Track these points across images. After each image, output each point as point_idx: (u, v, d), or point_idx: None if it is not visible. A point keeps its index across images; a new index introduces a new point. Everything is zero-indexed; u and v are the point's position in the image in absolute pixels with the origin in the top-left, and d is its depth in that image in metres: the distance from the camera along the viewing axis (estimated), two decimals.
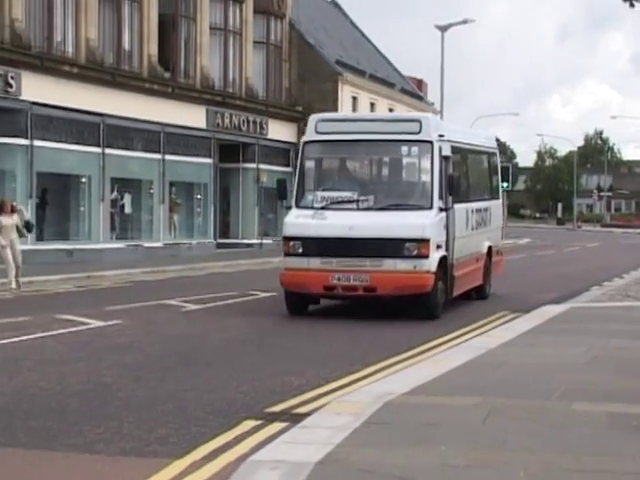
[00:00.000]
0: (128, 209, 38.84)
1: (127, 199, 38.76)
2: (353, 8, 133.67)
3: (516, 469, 7.08)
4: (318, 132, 19.12)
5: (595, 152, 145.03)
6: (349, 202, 18.30)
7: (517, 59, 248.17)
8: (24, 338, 15.22)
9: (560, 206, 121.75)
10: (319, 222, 18.10)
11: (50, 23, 34.36)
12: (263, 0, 46.37)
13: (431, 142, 18.43)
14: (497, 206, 24.39)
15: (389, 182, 19.95)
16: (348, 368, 12.55)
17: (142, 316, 18.46)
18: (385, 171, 20.37)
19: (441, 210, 18.31)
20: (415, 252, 17.65)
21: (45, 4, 34.14)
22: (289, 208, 19.04)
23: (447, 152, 18.91)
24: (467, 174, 21.67)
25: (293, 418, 9.36)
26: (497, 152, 25.35)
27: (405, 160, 19.76)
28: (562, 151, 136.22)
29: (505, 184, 66.90)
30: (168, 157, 39.66)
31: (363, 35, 66.55)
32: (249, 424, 9.32)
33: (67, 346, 14.59)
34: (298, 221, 18.40)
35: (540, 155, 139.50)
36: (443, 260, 18.37)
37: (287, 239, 18.45)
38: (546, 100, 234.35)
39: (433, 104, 64.38)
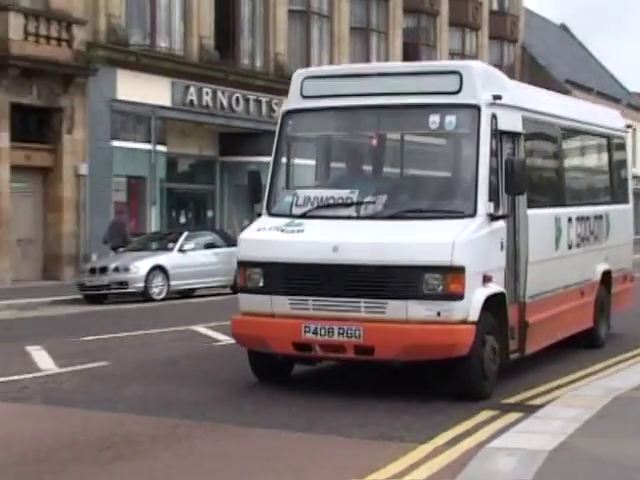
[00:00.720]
0: None
1: None
2: (581, 30, 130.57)
3: None
4: (304, 96, 11.30)
5: None
6: (345, 206, 10.56)
7: None
8: None
9: None
10: (289, 238, 10.46)
11: (307, 56, 35.24)
12: (497, 27, 45.96)
13: (477, 107, 10.45)
14: (623, 213, 15.30)
15: (408, 174, 11.93)
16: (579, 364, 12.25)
17: None
18: (402, 156, 11.88)
19: (493, 218, 10.34)
20: (440, 289, 9.73)
21: (304, 39, 35.07)
22: (259, 215, 11.23)
23: (510, 125, 10.92)
24: (560, 163, 13.07)
25: (527, 409, 9.20)
26: (624, 137, 15.96)
27: (434, 138, 11.66)
28: None
29: None
30: None
31: (590, 55, 64.88)
32: (487, 414, 9.22)
33: None
34: (259, 236, 10.70)
35: None
36: (495, 300, 10.27)
37: (242, 265, 10.75)
38: None
39: None
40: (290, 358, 10.80)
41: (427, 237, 9.96)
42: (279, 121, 11.44)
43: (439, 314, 9.73)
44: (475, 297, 9.89)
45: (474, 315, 9.87)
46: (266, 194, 11.13)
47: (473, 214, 10.16)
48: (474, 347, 9.86)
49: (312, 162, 12.11)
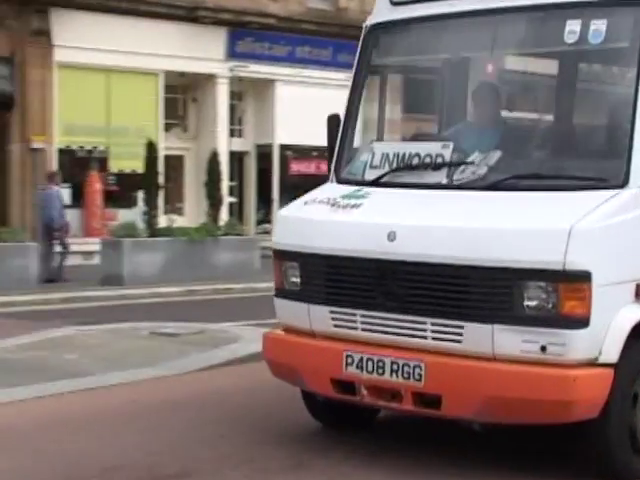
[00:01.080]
0: None
1: None
2: None
3: None
4: (395, 2, 7.28)
5: None
6: (433, 167, 6.54)
7: None
8: None
9: None
10: (337, 217, 6.69)
11: None
12: None
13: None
14: None
15: (527, 119, 8.10)
16: None
17: None
18: (523, 90, 8.19)
19: None
20: (548, 307, 5.67)
21: None
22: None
23: None
24: None
25: None
26: None
27: (573, 60, 7.12)
28: None
29: None
30: None
31: None
32: None
33: None
34: (300, 213, 6.96)
35: None
36: None
37: (276, 255, 7.07)
38: None
39: None
40: (329, 398, 6.76)
41: (532, 220, 5.88)
42: (360, 42, 7.50)
43: (544, 349, 5.71)
44: (614, 322, 5.78)
45: (611, 352, 5.78)
46: (336, 150, 7.34)
47: (622, 183, 5.95)
48: (612, 404, 5.81)
49: (401, 101, 8.48)
